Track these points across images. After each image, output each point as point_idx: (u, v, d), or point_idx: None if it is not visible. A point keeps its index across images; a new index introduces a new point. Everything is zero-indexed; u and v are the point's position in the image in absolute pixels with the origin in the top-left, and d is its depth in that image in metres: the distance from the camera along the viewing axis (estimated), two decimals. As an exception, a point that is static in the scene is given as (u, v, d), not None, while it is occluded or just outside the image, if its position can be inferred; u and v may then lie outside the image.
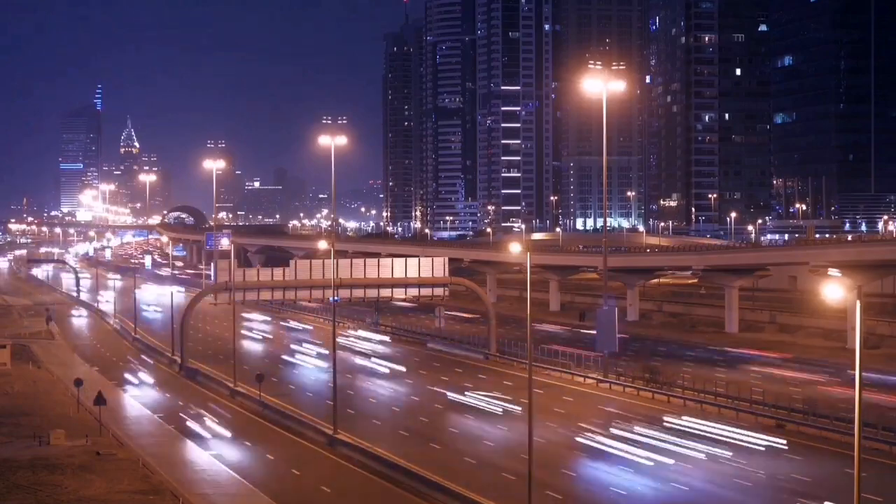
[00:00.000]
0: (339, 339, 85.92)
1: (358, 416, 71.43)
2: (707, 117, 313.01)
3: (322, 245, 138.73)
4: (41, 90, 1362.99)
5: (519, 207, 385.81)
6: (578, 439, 62.20)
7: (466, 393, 78.31)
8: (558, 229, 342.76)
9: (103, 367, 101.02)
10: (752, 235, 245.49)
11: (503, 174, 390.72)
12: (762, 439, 59.83)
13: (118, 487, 52.25)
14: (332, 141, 75.77)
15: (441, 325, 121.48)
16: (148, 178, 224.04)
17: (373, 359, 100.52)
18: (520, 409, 68.74)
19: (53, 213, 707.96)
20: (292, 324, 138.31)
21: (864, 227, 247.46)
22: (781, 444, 59.00)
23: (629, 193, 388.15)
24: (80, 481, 53.27)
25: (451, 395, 78.46)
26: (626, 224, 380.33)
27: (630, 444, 59.57)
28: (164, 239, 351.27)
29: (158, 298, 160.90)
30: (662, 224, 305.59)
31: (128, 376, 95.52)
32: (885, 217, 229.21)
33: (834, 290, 69.32)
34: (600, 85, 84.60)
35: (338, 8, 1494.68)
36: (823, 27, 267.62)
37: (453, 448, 61.72)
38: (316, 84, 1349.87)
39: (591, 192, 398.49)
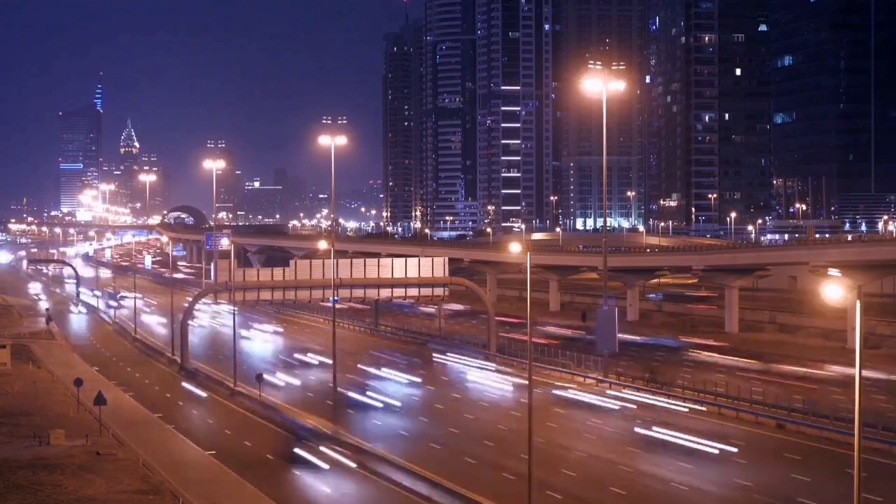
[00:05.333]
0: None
1: (358, 416, 71.56)
2: (707, 117, 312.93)
3: (322, 245, 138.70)
4: (41, 90, 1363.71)
5: (519, 207, 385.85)
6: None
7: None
8: (558, 229, 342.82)
9: (103, 367, 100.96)
10: (752, 235, 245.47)
11: (503, 174, 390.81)
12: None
13: (118, 487, 52.19)
14: (332, 141, 75.82)
15: (441, 325, 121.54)
16: (148, 178, 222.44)
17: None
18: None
19: (53, 213, 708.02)
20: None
21: (864, 227, 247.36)
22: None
23: (629, 193, 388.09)
24: (80, 481, 53.22)
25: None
26: (626, 224, 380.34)
27: None
28: (164, 239, 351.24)
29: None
30: (662, 224, 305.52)
31: (128, 376, 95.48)
32: (885, 217, 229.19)
33: (834, 290, 69.28)
34: (600, 85, 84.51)
35: (338, 8, 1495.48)
36: (823, 27, 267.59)
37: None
38: (316, 84, 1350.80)
39: (591, 192, 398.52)
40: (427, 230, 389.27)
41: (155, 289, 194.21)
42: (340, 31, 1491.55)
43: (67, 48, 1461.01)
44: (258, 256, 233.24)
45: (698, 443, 58.79)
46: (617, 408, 71.97)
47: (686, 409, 70.15)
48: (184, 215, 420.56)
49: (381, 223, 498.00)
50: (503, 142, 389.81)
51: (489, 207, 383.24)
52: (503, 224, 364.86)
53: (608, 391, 78.09)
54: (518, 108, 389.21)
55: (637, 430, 63.51)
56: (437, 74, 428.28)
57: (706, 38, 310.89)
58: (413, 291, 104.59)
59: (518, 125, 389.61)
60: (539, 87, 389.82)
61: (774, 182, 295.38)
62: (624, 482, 52.52)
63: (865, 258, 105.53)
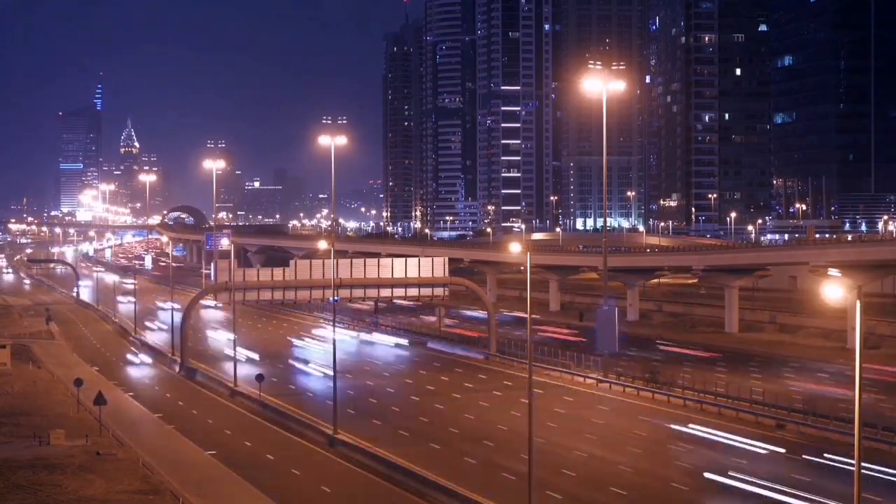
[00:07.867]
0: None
1: (358, 416, 71.55)
2: (707, 117, 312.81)
3: (322, 245, 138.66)
4: (41, 90, 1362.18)
5: (519, 207, 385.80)
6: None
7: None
8: (558, 229, 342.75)
9: (103, 367, 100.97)
10: (752, 235, 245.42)
11: (503, 174, 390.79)
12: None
13: (118, 487, 52.21)
14: (332, 141, 75.74)
15: (441, 325, 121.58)
16: (148, 178, 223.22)
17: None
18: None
19: (53, 213, 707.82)
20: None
21: (864, 227, 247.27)
22: None
23: (629, 193, 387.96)
24: (80, 481, 53.23)
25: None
26: (626, 224, 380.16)
27: None
28: (164, 239, 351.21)
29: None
30: (662, 224, 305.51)
31: (128, 376, 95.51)
32: (885, 217, 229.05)
33: (834, 290, 69.30)
34: (600, 85, 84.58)
35: (338, 8, 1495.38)
36: (823, 27, 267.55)
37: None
38: (316, 84, 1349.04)
39: (591, 192, 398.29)
40: (427, 230, 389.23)
41: (154, 289, 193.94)
42: (340, 31, 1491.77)
43: (67, 48, 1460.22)
44: (258, 256, 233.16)
45: None
46: None
47: None
48: (184, 215, 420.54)
49: (381, 223, 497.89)
50: (503, 142, 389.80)
51: (489, 207, 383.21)
52: (503, 224, 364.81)
53: None
54: (518, 108, 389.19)
55: None
56: (437, 74, 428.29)
57: (706, 38, 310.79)
58: (413, 291, 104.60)
59: (518, 125, 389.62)
60: (539, 87, 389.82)
61: (774, 182, 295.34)
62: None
63: (865, 258, 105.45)
